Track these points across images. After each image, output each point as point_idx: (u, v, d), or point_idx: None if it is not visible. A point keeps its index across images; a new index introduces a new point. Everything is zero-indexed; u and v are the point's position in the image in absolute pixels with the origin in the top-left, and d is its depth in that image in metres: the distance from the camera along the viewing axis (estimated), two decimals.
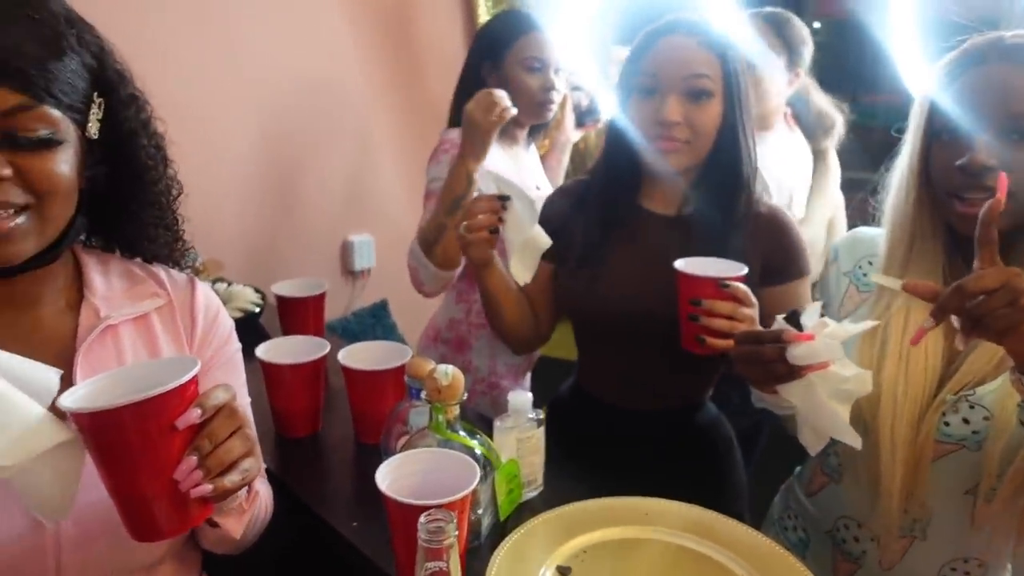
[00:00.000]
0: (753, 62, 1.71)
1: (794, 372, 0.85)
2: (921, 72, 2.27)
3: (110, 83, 0.78)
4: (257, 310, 1.58)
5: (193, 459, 0.64)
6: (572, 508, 0.92)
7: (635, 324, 1.17)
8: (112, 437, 0.62)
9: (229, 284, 1.68)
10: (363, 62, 2.32)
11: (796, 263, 1.20)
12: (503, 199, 1.14)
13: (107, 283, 0.85)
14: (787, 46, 1.78)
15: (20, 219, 0.71)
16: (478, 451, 0.90)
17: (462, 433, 0.90)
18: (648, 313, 1.15)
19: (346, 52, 2.27)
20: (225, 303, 1.55)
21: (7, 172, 0.68)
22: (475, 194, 1.26)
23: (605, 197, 1.24)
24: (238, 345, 0.94)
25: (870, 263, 1.05)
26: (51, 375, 0.67)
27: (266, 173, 2.21)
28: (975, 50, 0.91)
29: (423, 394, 0.91)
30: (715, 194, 1.19)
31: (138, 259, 0.90)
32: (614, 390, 1.24)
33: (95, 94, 0.76)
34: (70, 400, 0.64)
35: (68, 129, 0.73)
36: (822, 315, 0.85)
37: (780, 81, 1.80)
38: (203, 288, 0.92)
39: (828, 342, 0.82)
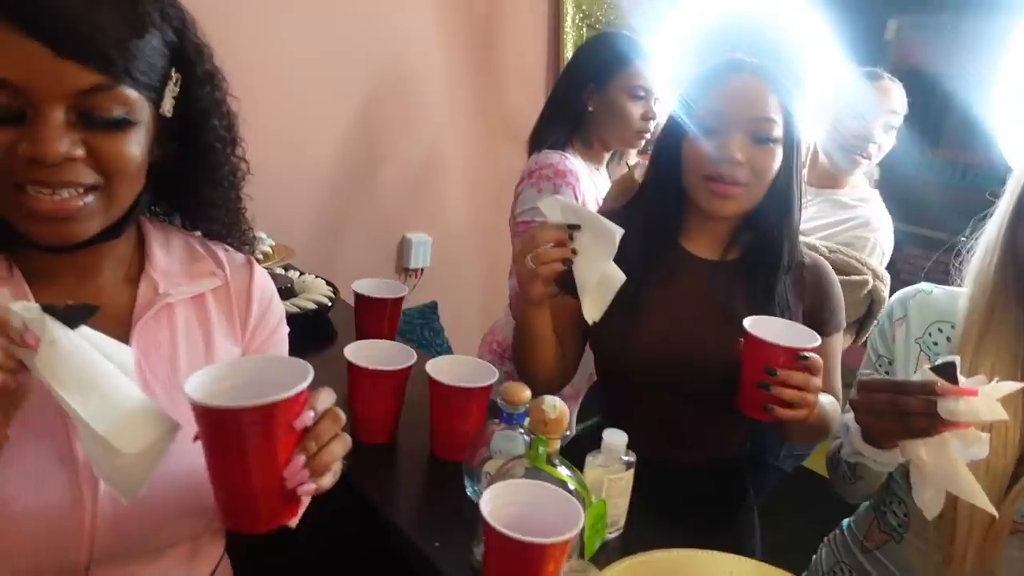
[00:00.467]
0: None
1: (933, 428, 0.81)
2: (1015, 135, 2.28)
3: (188, 59, 0.76)
4: (329, 304, 1.58)
5: (301, 459, 0.66)
6: (660, 555, 0.92)
7: (674, 373, 1.14)
8: (233, 433, 0.64)
9: (301, 273, 1.68)
10: (446, 62, 2.32)
11: (836, 316, 1.21)
12: (572, 228, 1.05)
13: (168, 257, 0.84)
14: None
15: (88, 198, 0.70)
16: (571, 486, 0.89)
17: (561, 469, 0.89)
18: (690, 362, 1.12)
19: (431, 49, 2.27)
20: (298, 293, 1.57)
21: (80, 152, 0.67)
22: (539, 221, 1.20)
23: (646, 236, 1.18)
24: (287, 330, 0.94)
25: (940, 330, 1.03)
26: (126, 355, 0.68)
27: (337, 163, 2.22)
28: None
29: (525, 421, 0.91)
30: (762, 241, 1.17)
31: (198, 233, 0.89)
32: (645, 440, 1.07)
33: (172, 69, 0.74)
34: (198, 394, 0.64)
35: (143, 109, 0.71)
36: (955, 368, 0.80)
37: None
38: (260, 272, 0.92)
39: (991, 401, 0.78)
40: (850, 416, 0.95)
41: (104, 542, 0.74)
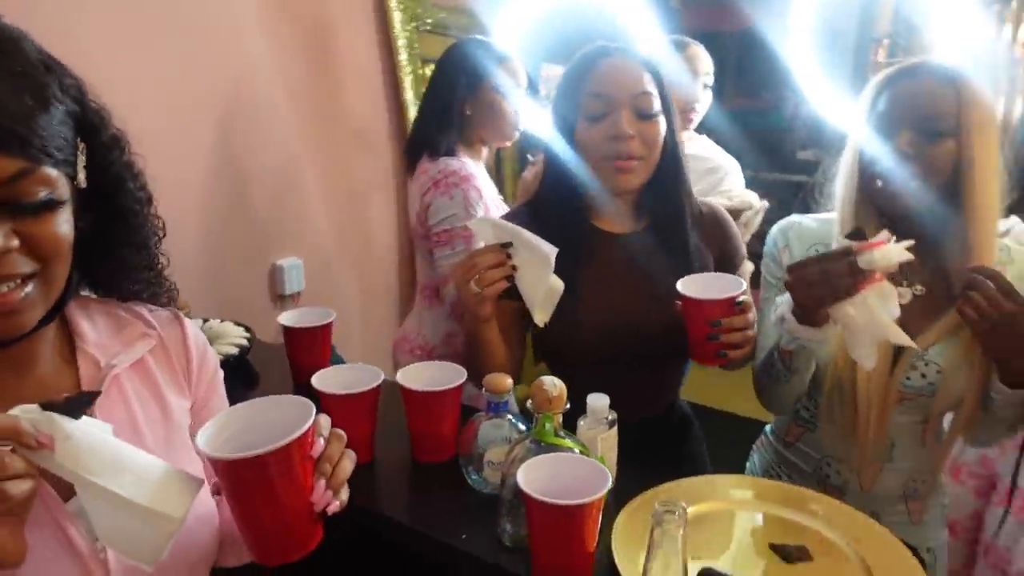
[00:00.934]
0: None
1: (855, 286, 0.96)
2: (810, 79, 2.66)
3: (92, 126, 0.76)
4: (248, 345, 1.54)
5: (323, 482, 0.73)
6: (667, 486, 1.07)
7: (616, 342, 1.24)
8: (261, 477, 0.69)
9: (205, 320, 1.62)
10: (283, 80, 2.27)
11: (740, 250, 1.38)
12: (506, 246, 1.12)
13: (95, 330, 0.84)
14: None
15: (28, 288, 0.69)
16: (576, 451, 0.99)
17: (567, 439, 0.99)
18: (622, 330, 1.23)
19: (265, 72, 2.21)
20: (212, 342, 1.52)
21: (15, 243, 0.66)
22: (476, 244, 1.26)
23: (562, 222, 1.25)
24: (222, 374, 0.97)
25: (817, 251, 1.21)
26: (109, 430, 0.69)
27: (194, 202, 2.12)
28: (906, 67, 1.15)
29: (509, 408, 0.99)
30: (666, 206, 1.29)
31: (112, 299, 0.88)
32: None
33: (78, 139, 0.73)
34: (215, 451, 0.69)
35: (64, 185, 0.70)
36: (863, 233, 0.99)
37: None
38: (188, 322, 0.93)
39: (896, 245, 0.94)
40: (784, 309, 1.10)
41: None
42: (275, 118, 2.23)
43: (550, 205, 1.29)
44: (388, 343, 2.32)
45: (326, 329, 1.44)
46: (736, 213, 1.90)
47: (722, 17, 3.54)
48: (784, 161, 3.87)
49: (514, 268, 1.12)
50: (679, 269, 1.21)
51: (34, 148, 0.65)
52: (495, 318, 1.20)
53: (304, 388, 1.19)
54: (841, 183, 1.21)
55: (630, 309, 1.25)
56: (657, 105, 1.23)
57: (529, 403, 0.98)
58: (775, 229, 1.30)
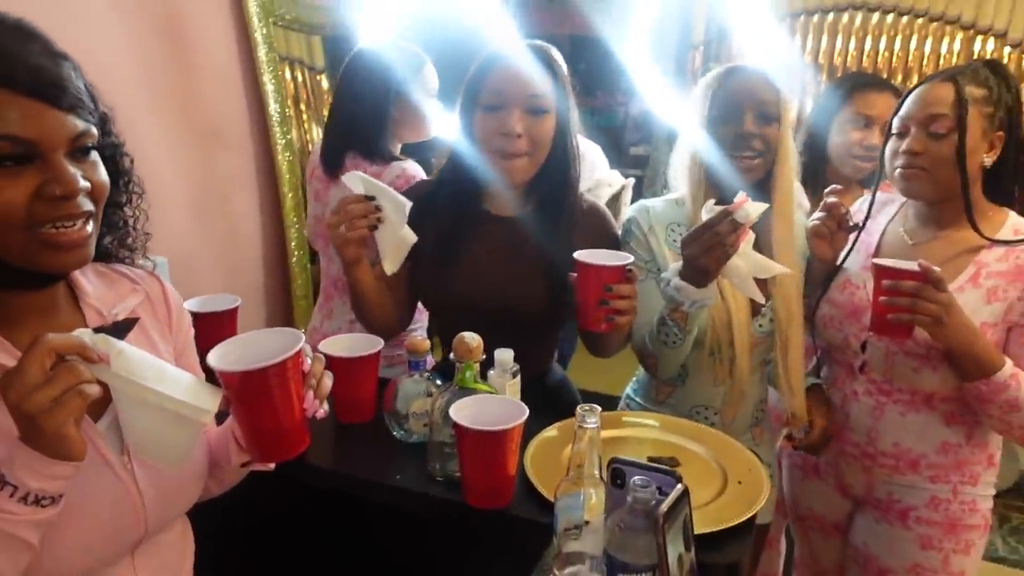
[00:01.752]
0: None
1: (736, 243, 1.17)
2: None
3: (93, 99, 0.87)
4: None
5: (311, 393, 0.89)
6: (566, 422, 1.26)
7: (491, 313, 1.35)
8: (264, 387, 0.82)
9: None
10: (135, 78, 2.23)
11: (618, 247, 1.48)
12: (370, 199, 1.26)
13: (92, 285, 0.93)
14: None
15: (89, 226, 0.81)
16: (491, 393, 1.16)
17: (481, 383, 1.15)
18: (503, 303, 1.36)
19: (116, 68, 2.16)
20: None
21: (87, 185, 0.79)
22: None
23: (454, 203, 1.41)
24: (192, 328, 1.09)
25: (674, 230, 1.44)
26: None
27: None
28: (733, 66, 1.41)
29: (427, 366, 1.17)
30: (548, 197, 1.41)
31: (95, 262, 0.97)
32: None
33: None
34: (227, 366, 0.81)
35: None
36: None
37: None
38: (164, 280, 1.04)
39: (755, 203, 1.16)
40: (675, 278, 1.25)
41: (155, 515, 0.89)
42: (128, 116, 2.17)
43: (446, 186, 1.44)
44: None
45: (232, 314, 1.50)
46: (617, 196, 2.16)
47: (557, 21, 3.82)
48: (619, 156, 4.25)
49: (380, 220, 1.27)
50: (554, 252, 1.34)
51: (87, 112, 0.80)
52: (373, 274, 1.36)
53: (210, 372, 1.26)
54: (686, 168, 1.45)
55: (498, 283, 1.38)
56: (548, 104, 1.33)
57: (451, 355, 1.13)
58: (632, 216, 1.48)
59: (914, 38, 3.85)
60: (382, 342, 1.32)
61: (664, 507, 0.78)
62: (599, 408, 0.87)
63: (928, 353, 1.28)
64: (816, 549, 1.59)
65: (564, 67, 1.38)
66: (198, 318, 1.47)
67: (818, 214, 1.38)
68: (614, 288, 1.18)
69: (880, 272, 1.22)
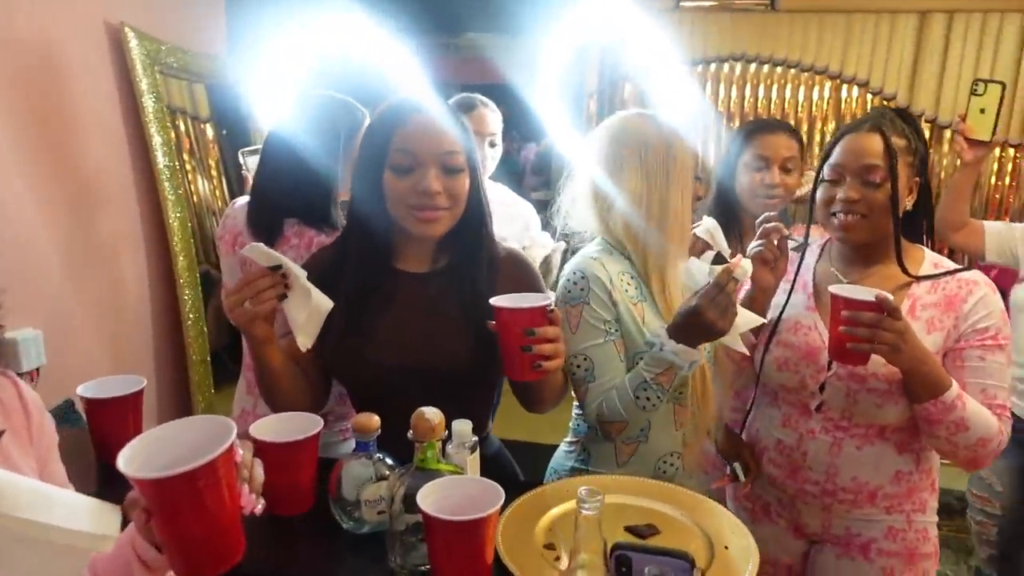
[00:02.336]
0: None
1: (735, 295, 1.22)
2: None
3: None
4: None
5: (246, 487, 0.78)
6: (530, 496, 1.16)
7: (411, 380, 1.25)
8: (189, 492, 0.70)
9: None
10: (5, 131, 1.99)
11: (541, 287, 1.43)
12: (275, 269, 1.17)
13: None
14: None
15: None
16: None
17: (444, 462, 1.04)
18: (424, 366, 1.27)
19: None
20: None
21: None
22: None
23: (361, 265, 1.30)
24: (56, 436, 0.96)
25: (622, 279, 1.38)
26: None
27: None
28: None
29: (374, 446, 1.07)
30: (466, 249, 1.34)
31: None
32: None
33: None
34: (143, 473, 0.69)
35: None
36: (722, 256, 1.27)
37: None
38: (20, 380, 0.91)
39: (743, 258, 1.22)
40: (670, 345, 1.25)
41: None
42: None
43: (354, 248, 1.33)
44: (152, 412, 2.11)
45: (136, 399, 1.31)
46: (547, 258, 2.11)
47: (452, 70, 3.82)
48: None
49: (287, 287, 1.18)
50: (470, 307, 1.28)
51: None
52: (293, 350, 1.25)
53: (113, 468, 1.09)
54: (629, 214, 1.40)
55: (421, 344, 1.29)
56: (462, 161, 1.27)
57: (410, 434, 1.02)
58: (590, 272, 1.37)
59: (788, 87, 4.13)
60: (321, 422, 1.18)
61: None
62: (600, 492, 0.79)
63: (891, 388, 1.30)
64: None
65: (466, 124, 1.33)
66: (97, 406, 1.28)
67: (757, 241, 1.40)
68: (537, 332, 1.13)
69: (838, 302, 1.23)
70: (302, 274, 1.19)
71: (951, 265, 1.38)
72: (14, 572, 0.65)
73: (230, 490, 0.74)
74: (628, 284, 1.39)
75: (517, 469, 1.56)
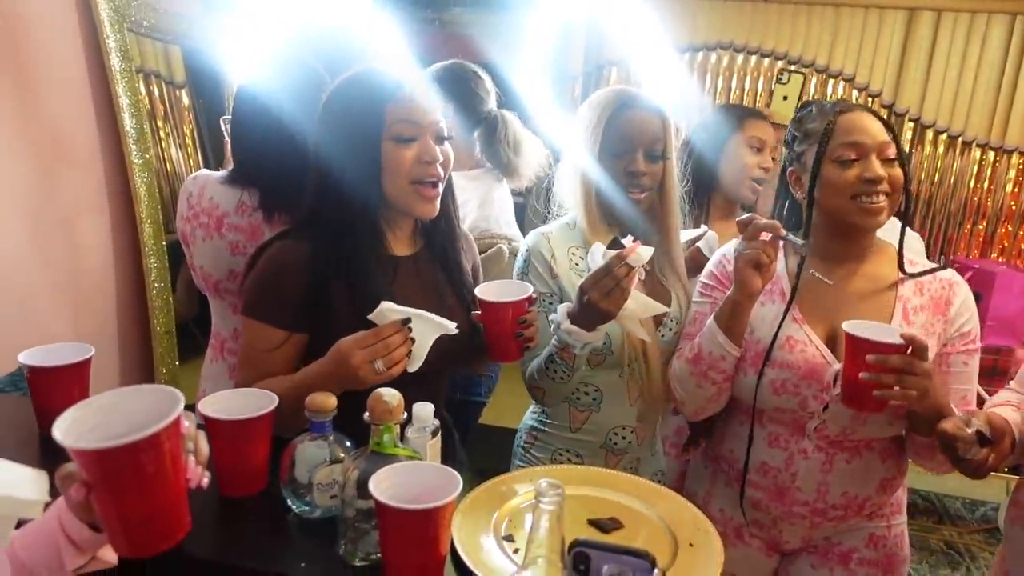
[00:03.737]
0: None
1: (628, 284, 1.20)
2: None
3: None
4: None
5: (192, 459, 0.76)
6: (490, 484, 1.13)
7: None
8: (134, 465, 0.67)
9: None
10: None
11: (478, 268, 1.51)
12: (406, 323, 1.12)
13: None
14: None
15: None
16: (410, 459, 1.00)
17: (401, 447, 1.00)
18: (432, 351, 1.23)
19: None
20: None
21: None
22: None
23: (359, 248, 1.23)
24: None
25: (574, 253, 1.44)
26: None
27: None
28: (625, 96, 1.41)
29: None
30: (443, 227, 1.36)
31: None
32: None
33: None
34: (83, 442, 0.65)
35: None
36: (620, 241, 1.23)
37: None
38: None
39: (644, 246, 1.20)
40: (564, 321, 1.26)
41: None
42: None
43: (345, 236, 1.23)
44: (114, 383, 2.05)
45: (83, 368, 1.25)
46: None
47: (436, 46, 3.75)
48: None
49: (413, 341, 1.14)
50: (456, 284, 1.35)
51: None
52: (288, 354, 1.24)
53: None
54: (578, 195, 1.43)
55: None
56: (448, 130, 1.28)
57: (366, 416, 0.97)
58: (532, 246, 1.45)
59: (775, 79, 4.10)
60: (275, 399, 1.12)
61: None
62: (560, 485, 0.75)
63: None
64: None
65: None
66: (39, 373, 1.22)
67: (748, 243, 1.23)
68: (528, 318, 1.25)
69: (857, 343, 1.11)
70: (434, 321, 1.15)
71: (924, 261, 1.33)
72: None
73: (175, 463, 0.71)
74: (580, 259, 1.43)
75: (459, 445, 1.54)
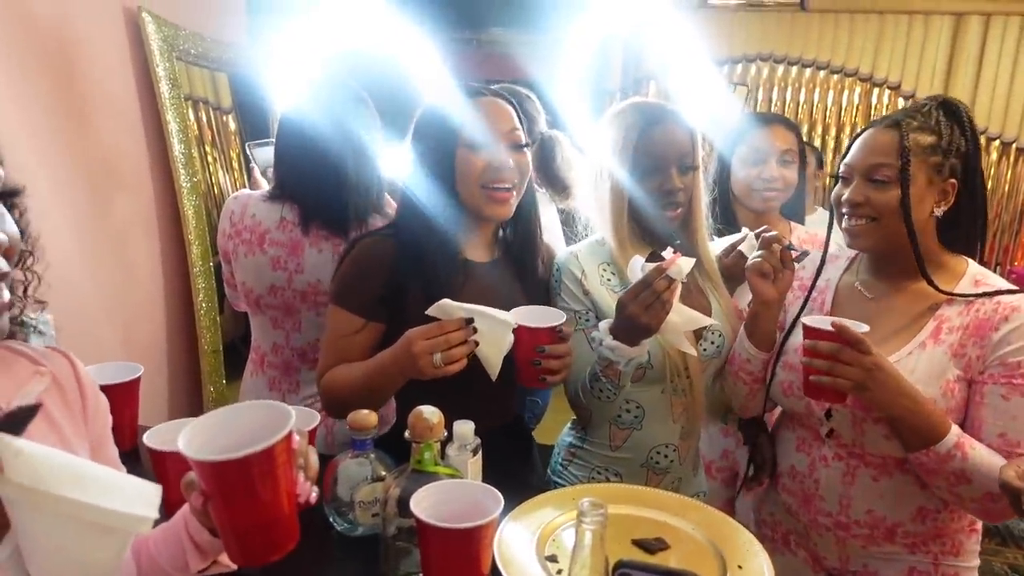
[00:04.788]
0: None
1: (670, 298, 1.17)
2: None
3: None
4: None
5: (302, 475, 0.76)
6: (531, 503, 1.11)
7: (479, 371, 1.23)
8: (246, 477, 0.69)
9: None
10: (21, 113, 1.98)
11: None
12: (469, 321, 1.16)
13: None
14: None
15: (4, 292, 0.70)
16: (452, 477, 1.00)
17: (443, 465, 0.99)
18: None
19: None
20: None
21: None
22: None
23: (436, 255, 1.29)
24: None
25: (605, 270, 1.42)
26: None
27: None
28: (651, 111, 1.38)
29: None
30: (522, 235, 1.41)
31: None
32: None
33: None
34: (203, 455, 0.67)
35: None
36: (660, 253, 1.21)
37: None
38: (77, 359, 0.87)
39: (685, 258, 1.17)
40: (607, 337, 1.24)
41: None
42: (12, 153, 1.93)
43: (421, 237, 1.30)
44: (163, 401, 2.09)
45: (133, 387, 1.28)
46: None
47: (472, 64, 3.79)
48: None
49: (476, 343, 1.17)
50: (531, 294, 1.34)
51: None
52: (366, 340, 1.28)
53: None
54: (608, 213, 1.40)
55: None
56: (524, 139, 1.33)
57: (407, 434, 0.97)
58: (561, 265, 1.44)
59: (817, 90, 4.03)
60: (318, 417, 1.13)
61: None
62: (603, 504, 0.74)
63: None
64: None
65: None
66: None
67: (757, 252, 1.32)
68: (547, 349, 1.20)
69: (806, 332, 1.16)
70: (491, 311, 1.17)
71: (998, 284, 1.20)
72: (54, 557, 0.63)
73: (287, 477, 0.73)
74: (611, 276, 1.41)
75: (533, 444, 1.56)
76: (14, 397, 0.73)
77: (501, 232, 1.43)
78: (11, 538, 0.66)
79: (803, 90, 4.03)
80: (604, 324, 1.27)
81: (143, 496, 0.66)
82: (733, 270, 1.52)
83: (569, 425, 1.54)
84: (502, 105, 1.33)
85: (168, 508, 0.83)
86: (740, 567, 0.99)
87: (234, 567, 0.84)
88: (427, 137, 1.33)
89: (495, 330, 1.18)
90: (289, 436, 0.71)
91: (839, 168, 1.29)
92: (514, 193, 1.32)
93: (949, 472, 1.11)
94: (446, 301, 1.17)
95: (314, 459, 0.80)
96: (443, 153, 1.29)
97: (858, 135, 1.27)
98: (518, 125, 1.33)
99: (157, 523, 0.72)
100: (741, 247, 1.53)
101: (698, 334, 1.40)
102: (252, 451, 0.67)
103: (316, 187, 1.57)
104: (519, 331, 1.20)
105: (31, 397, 0.75)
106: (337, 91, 1.62)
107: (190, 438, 0.70)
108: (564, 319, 1.23)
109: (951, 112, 1.21)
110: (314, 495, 0.78)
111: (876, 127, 1.24)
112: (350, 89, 1.64)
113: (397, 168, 1.36)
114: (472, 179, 1.29)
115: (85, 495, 0.61)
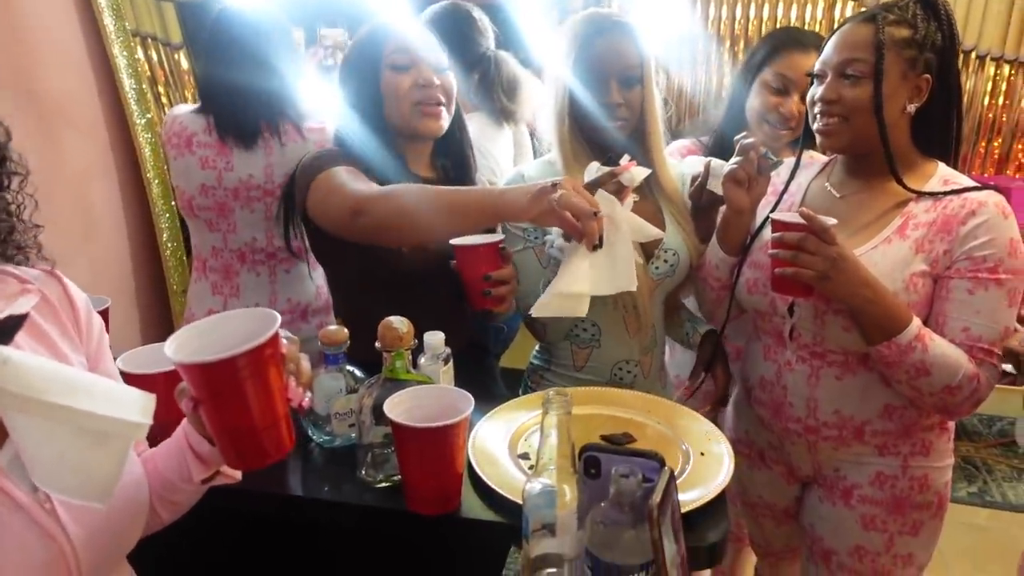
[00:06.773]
0: None
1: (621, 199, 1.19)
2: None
3: None
4: None
5: (292, 379, 0.77)
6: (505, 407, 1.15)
7: (441, 280, 1.28)
8: (235, 379, 0.70)
9: None
10: None
11: None
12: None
13: None
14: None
15: None
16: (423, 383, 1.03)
17: (414, 373, 1.02)
18: (440, 268, 1.29)
19: None
20: None
21: None
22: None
23: (385, 169, 1.32)
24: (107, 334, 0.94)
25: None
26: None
27: None
28: (599, 22, 1.34)
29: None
30: (457, 152, 1.47)
31: None
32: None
33: None
34: (191, 357, 0.69)
35: None
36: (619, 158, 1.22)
37: None
38: (66, 278, 0.87)
39: (639, 167, 1.19)
40: (558, 242, 1.23)
41: (89, 564, 0.74)
42: None
43: (369, 153, 1.33)
44: (136, 343, 2.08)
45: (101, 316, 1.28)
46: None
47: None
48: None
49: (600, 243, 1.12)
50: None
51: None
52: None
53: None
54: (553, 126, 1.38)
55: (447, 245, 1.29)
56: (447, 63, 1.39)
57: (378, 344, 0.99)
58: (508, 183, 1.43)
59: (794, 5, 3.84)
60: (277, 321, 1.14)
61: (656, 497, 0.69)
62: (568, 393, 0.77)
63: None
64: (768, 534, 1.53)
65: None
66: None
67: (734, 159, 1.27)
68: (494, 275, 1.22)
69: (774, 226, 1.17)
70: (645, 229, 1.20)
71: (965, 182, 1.19)
72: (53, 463, 0.64)
73: (276, 380, 0.73)
74: None
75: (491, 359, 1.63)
76: (5, 310, 0.73)
77: (435, 150, 1.45)
78: (11, 444, 0.68)
79: (794, 6, 3.87)
80: (556, 230, 1.24)
81: (137, 404, 0.67)
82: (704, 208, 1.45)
83: (536, 349, 1.55)
84: (423, 28, 1.43)
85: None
86: (702, 454, 1.04)
87: (238, 478, 0.87)
88: (353, 62, 1.39)
89: (620, 240, 1.18)
90: (275, 338, 0.71)
91: (815, 67, 1.26)
92: (443, 109, 1.36)
93: (909, 364, 1.12)
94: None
95: (306, 365, 0.80)
96: (369, 75, 1.35)
97: (835, 31, 1.24)
98: (440, 48, 1.39)
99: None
100: (709, 185, 1.39)
101: (650, 252, 1.38)
102: (238, 351, 0.68)
103: (228, 102, 1.70)
104: (462, 253, 1.21)
105: (20, 309, 0.75)
106: (269, 22, 1.74)
107: (178, 345, 0.71)
108: (502, 237, 1.26)
109: (929, 5, 1.19)
110: (307, 400, 0.79)
111: (852, 22, 1.21)
112: (280, 22, 1.77)
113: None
114: (401, 98, 1.34)
115: (77, 403, 0.62)
